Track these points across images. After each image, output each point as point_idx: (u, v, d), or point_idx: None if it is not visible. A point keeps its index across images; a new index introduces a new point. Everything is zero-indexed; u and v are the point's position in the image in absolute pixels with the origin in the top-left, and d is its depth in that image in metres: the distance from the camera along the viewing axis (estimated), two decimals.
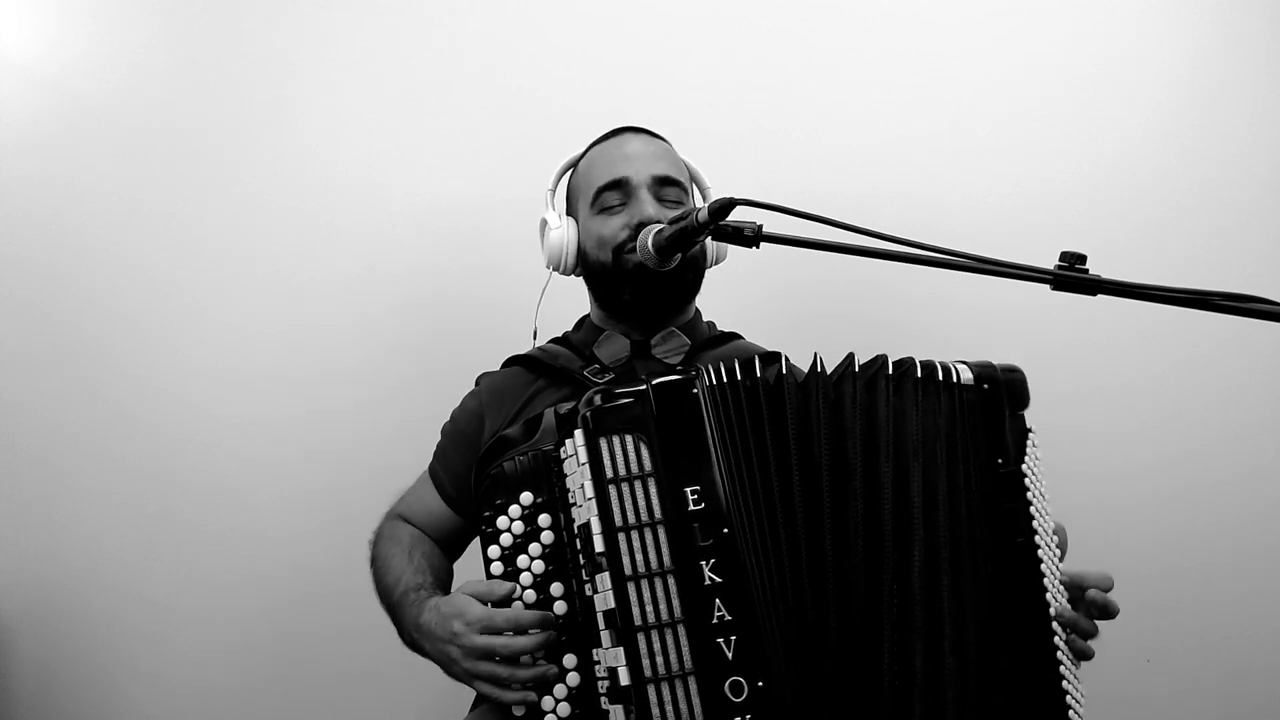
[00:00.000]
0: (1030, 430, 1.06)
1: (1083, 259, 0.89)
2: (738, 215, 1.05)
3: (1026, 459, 1.05)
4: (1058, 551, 1.06)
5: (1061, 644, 1.02)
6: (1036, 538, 1.03)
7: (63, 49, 1.83)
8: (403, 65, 1.85)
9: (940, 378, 1.05)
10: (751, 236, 1.04)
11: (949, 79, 1.86)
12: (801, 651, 0.96)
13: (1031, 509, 1.04)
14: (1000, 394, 1.05)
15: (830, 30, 1.87)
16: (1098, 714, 1.73)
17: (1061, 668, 1.02)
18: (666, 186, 1.29)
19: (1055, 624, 1.02)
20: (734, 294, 1.48)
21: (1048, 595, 1.02)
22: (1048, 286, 0.90)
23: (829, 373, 1.04)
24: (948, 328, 1.80)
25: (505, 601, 1.03)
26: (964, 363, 1.07)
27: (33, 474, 1.77)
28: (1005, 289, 1.12)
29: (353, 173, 1.82)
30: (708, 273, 1.38)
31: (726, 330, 1.41)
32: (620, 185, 1.29)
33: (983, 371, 1.06)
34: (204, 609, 1.75)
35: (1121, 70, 1.86)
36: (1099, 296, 0.90)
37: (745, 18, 1.87)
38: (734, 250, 1.33)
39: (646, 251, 1.18)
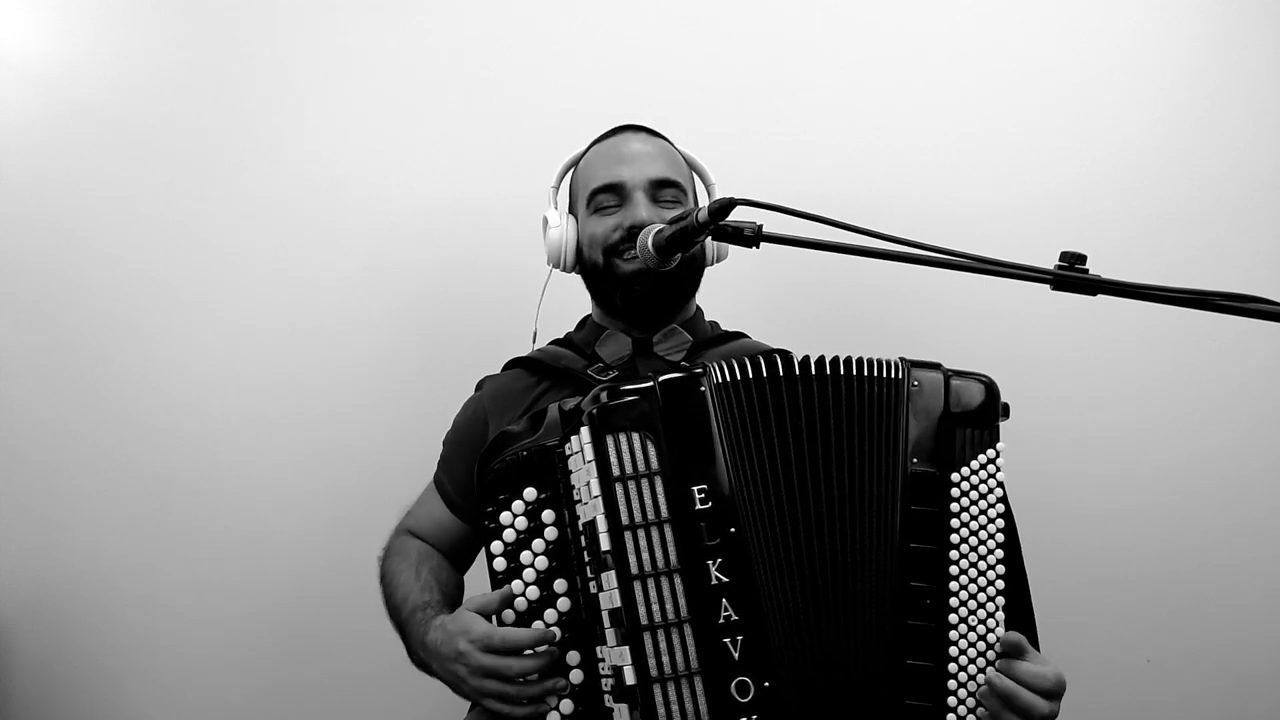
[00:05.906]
0: (993, 448, 1.04)
1: (1083, 259, 0.89)
2: (738, 215, 1.05)
3: (966, 469, 1.03)
4: (999, 584, 1.02)
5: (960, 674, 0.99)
6: (952, 551, 1.01)
7: (63, 49, 1.83)
8: (403, 65, 1.84)
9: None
10: (751, 236, 1.04)
11: (949, 79, 1.86)
12: (809, 652, 0.96)
13: (953, 520, 1.02)
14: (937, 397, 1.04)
15: (830, 31, 1.87)
16: (1097, 713, 1.74)
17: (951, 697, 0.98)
18: (663, 188, 1.29)
19: (955, 679, 0.99)
20: (735, 294, 1.47)
21: (952, 633, 0.99)
22: (1048, 286, 0.90)
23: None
24: (948, 328, 1.80)
25: (508, 603, 1.02)
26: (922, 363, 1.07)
27: (33, 474, 1.77)
28: (1005, 289, 1.12)
29: (353, 173, 1.82)
30: (708, 271, 1.37)
31: (730, 330, 1.40)
32: (615, 188, 1.28)
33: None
34: (204, 609, 1.75)
35: (1122, 70, 1.86)
36: (1099, 296, 0.90)
37: (745, 19, 1.86)
38: (734, 250, 1.32)
39: (646, 251, 1.18)
